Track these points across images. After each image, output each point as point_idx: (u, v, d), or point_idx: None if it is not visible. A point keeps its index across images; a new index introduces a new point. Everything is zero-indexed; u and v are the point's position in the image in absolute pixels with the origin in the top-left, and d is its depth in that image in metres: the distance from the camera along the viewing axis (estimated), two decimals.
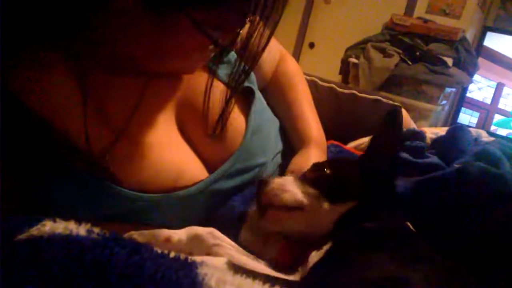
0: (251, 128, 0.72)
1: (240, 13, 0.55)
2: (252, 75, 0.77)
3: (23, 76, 0.54)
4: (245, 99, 0.74)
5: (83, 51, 0.56)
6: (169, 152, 0.64)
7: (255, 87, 0.77)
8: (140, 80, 0.63)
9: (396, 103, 1.08)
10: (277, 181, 0.60)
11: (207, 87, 0.69)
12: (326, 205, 0.56)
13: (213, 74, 0.70)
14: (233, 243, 0.57)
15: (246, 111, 0.73)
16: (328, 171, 0.60)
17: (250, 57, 0.64)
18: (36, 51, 0.55)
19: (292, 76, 0.90)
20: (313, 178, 0.60)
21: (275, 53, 0.90)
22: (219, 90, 0.69)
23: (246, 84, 0.74)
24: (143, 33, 0.53)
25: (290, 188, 0.58)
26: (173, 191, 0.62)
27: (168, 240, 0.55)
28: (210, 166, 0.69)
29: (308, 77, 1.06)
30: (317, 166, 0.63)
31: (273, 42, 0.85)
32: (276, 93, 0.87)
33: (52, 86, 0.55)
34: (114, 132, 0.59)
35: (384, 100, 1.10)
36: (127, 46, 0.56)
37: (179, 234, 0.56)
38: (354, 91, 1.10)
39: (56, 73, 0.56)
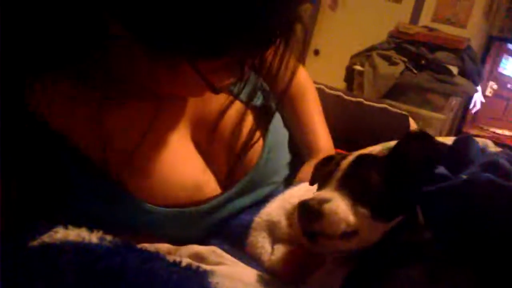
0: (268, 146, 0.71)
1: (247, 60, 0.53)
2: (269, 93, 0.77)
3: (42, 95, 0.53)
4: (262, 116, 0.74)
5: (92, 78, 0.56)
6: (184, 168, 0.64)
7: (272, 105, 0.76)
8: (155, 99, 0.63)
9: (403, 112, 1.08)
10: (329, 208, 0.52)
11: (224, 106, 0.68)
12: (380, 225, 0.53)
13: (229, 91, 0.69)
14: (235, 260, 0.57)
15: (263, 128, 0.72)
16: (374, 180, 0.55)
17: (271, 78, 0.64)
18: (54, 76, 0.54)
19: (303, 86, 0.90)
20: (360, 190, 0.54)
21: (292, 66, 0.89)
22: (235, 107, 0.69)
23: (264, 102, 0.73)
24: (145, 69, 0.53)
25: (344, 216, 0.52)
26: (186, 207, 0.62)
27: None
28: (225, 183, 0.68)
29: (316, 85, 1.06)
30: (360, 172, 0.56)
31: None
32: (286, 103, 0.87)
33: (71, 105, 0.55)
34: (130, 149, 0.59)
35: (391, 108, 1.09)
36: (131, 76, 0.56)
37: (180, 252, 0.56)
38: (361, 99, 1.10)
39: (76, 95, 0.56)
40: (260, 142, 0.71)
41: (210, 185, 0.66)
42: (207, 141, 0.68)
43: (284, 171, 0.77)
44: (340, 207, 0.52)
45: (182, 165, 0.63)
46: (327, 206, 0.51)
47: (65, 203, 0.56)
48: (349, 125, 1.06)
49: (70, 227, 0.40)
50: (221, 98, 0.67)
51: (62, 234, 0.39)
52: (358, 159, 0.59)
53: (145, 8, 0.41)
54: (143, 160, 0.60)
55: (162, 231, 0.61)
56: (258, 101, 0.72)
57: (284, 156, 0.77)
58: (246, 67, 0.54)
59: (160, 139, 0.62)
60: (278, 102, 0.66)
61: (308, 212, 0.52)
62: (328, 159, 0.64)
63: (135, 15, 0.42)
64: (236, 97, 0.69)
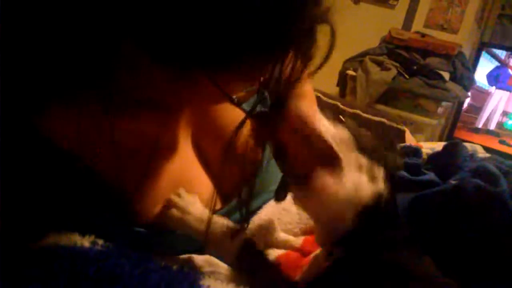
0: (267, 155, 0.71)
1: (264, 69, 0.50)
2: (269, 100, 0.76)
3: (55, 114, 0.51)
4: (259, 123, 0.72)
5: (105, 95, 0.52)
6: (192, 184, 0.62)
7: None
8: (161, 113, 0.60)
9: (399, 126, 1.07)
10: None
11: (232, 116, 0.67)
12: None
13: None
14: (229, 268, 0.57)
15: (262, 136, 0.71)
16: None
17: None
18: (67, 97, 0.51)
19: (304, 94, 0.90)
20: None
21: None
22: (237, 115, 0.68)
23: (263, 108, 0.72)
24: (158, 85, 0.49)
25: None
26: None
27: None
28: (225, 195, 0.67)
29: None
30: None
31: None
32: None
33: (85, 126, 0.52)
34: (141, 167, 0.57)
35: (388, 122, 1.08)
36: (147, 95, 0.52)
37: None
38: (358, 111, 1.08)
39: (88, 113, 0.52)
40: (259, 151, 0.69)
41: (210, 199, 0.64)
42: (208, 146, 0.66)
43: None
44: None
45: (189, 183, 0.62)
46: None
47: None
48: None
49: (62, 231, 0.40)
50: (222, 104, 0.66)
51: (54, 238, 0.39)
52: None
53: (162, 27, 0.39)
54: (153, 179, 0.58)
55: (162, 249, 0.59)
56: (258, 109, 0.72)
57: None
58: (261, 77, 0.53)
59: (168, 152, 0.60)
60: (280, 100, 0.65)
61: None
62: None
63: (152, 36, 0.40)
64: (239, 105, 0.67)
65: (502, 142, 3.07)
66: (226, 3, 0.37)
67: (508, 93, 3.21)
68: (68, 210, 0.50)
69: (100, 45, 0.40)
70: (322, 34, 0.55)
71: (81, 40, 0.40)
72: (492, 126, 3.09)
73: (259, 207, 0.70)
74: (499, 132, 3.09)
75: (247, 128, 0.66)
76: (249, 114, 0.63)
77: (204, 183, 0.65)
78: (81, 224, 0.50)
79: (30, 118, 0.49)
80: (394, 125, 1.08)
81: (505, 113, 3.05)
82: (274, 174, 0.73)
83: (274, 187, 0.73)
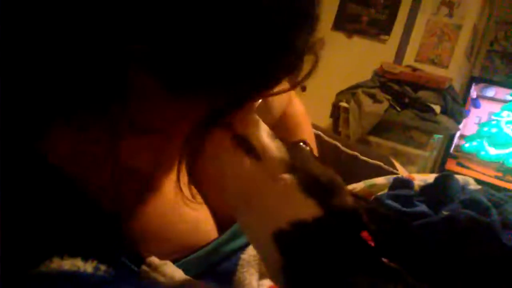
0: None
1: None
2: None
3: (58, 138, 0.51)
4: None
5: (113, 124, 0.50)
6: (186, 209, 0.62)
7: None
8: (158, 137, 0.60)
9: (395, 171, 1.08)
10: None
11: None
12: None
13: None
14: None
15: None
16: None
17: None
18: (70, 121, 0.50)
19: (299, 121, 0.91)
20: None
21: (285, 95, 0.87)
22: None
23: None
24: (161, 110, 0.48)
25: None
26: (186, 255, 0.61)
27: None
28: (220, 222, 0.67)
29: (314, 130, 1.06)
30: None
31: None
32: (282, 136, 0.87)
33: (85, 147, 0.52)
34: (138, 190, 0.57)
35: (385, 167, 1.08)
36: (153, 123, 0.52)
37: None
38: (357, 153, 1.09)
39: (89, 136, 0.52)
40: None
41: (209, 228, 0.66)
42: (203, 173, 0.66)
43: None
44: None
45: (185, 207, 0.62)
46: None
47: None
48: (342, 177, 1.06)
49: (65, 256, 0.41)
50: None
51: (57, 263, 0.39)
52: None
53: (174, 56, 0.39)
54: (147, 206, 0.58)
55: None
56: None
57: None
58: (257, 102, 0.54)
59: (163, 179, 0.61)
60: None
61: None
62: None
63: (163, 63, 0.40)
64: None
65: (459, 164, 3.15)
66: (229, 37, 0.39)
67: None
68: (62, 232, 0.49)
69: (108, 71, 0.40)
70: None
71: (88, 66, 0.40)
72: (451, 149, 3.17)
73: None
74: (457, 154, 3.15)
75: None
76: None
77: (200, 211, 0.66)
78: (75, 247, 0.51)
79: (31, 140, 0.49)
80: (390, 169, 1.08)
81: (462, 136, 3.13)
82: None
83: None
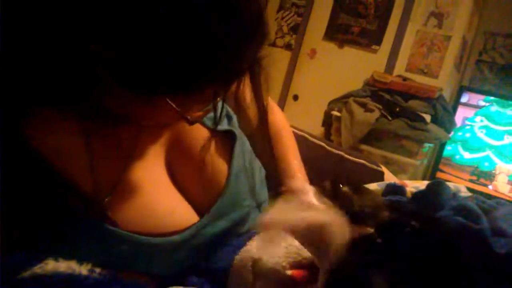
0: (235, 171, 0.74)
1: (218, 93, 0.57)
2: (234, 120, 0.81)
3: (37, 123, 0.55)
4: (228, 142, 0.77)
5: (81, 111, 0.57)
6: (161, 196, 0.66)
7: (237, 131, 0.79)
8: (134, 127, 0.65)
9: (378, 168, 1.12)
10: None
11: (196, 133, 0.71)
12: None
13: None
14: None
15: (229, 154, 0.76)
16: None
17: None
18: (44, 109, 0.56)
19: (279, 129, 0.94)
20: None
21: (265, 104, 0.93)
22: (201, 132, 0.72)
23: (228, 127, 0.77)
24: (125, 103, 0.54)
25: None
26: (165, 236, 0.63)
27: None
28: (199, 209, 0.70)
29: (298, 132, 1.10)
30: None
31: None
32: (258, 141, 0.90)
33: (62, 136, 0.57)
34: (114, 177, 0.61)
35: (369, 164, 1.13)
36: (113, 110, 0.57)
37: None
38: (342, 153, 1.13)
39: (65, 125, 0.58)
40: (226, 167, 0.74)
41: (186, 212, 0.68)
42: (179, 166, 0.70)
43: (256, 195, 0.79)
44: None
45: (160, 193, 0.65)
46: None
47: (49, 233, 0.56)
48: (327, 176, 1.09)
49: (60, 259, 0.41)
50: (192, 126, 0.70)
51: (53, 266, 0.40)
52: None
53: (131, 59, 0.45)
54: (125, 189, 0.61)
55: (145, 264, 0.62)
56: (222, 126, 0.76)
57: (253, 180, 0.80)
58: (217, 99, 0.59)
59: (140, 166, 0.64)
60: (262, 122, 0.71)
61: None
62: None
63: (122, 68, 0.46)
64: (192, 124, 0.71)
65: None
66: (183, 44, 0.44)
67: None
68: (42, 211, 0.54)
69: (75, 68, 0.46)
70: None
71: (59, 64, 0.47)
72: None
73: (237, 222, 0.72)
74: None
75: (213, 144, 0.70)
76: (202, 123, 0.72)
77: (176, 197, 0.69)
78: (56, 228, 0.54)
79: (13, 125, 0.53)
80: (374, 167, 1.13)
81: None
82: (244, 189, 0.75)
83: (247, 202, 0.75)
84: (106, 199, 0.58)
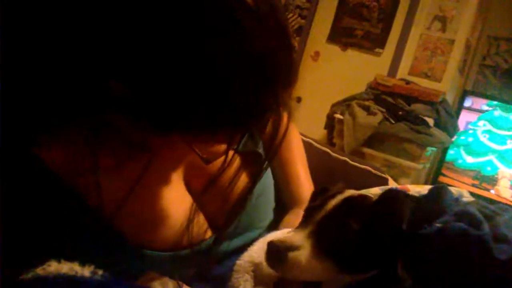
0: (257, 191, 0.73)
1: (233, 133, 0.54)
2: (258, 140, 0.79)
3: (50, 142, 0.54)
4: (252, 162, 0.76)
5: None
6: (176, 210, 0.65)
7: (262, 152, 0.78)
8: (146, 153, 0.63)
9: (383, 175, 1.12)
10: (293, 258, 0.52)
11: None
12: (346, 278, 0.54)
13: None
14: None
15: (251, 174, 0.74)
16: (351, 232, 0.54)
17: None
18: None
19: (288, 136, 0.93)
20: (333, 241, 0.54)
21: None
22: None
23: (253, 148, 0.76)
24: (138, 132, 0.53)
25: (305, 268, 0.52)
26: (177, 249, 0.63)
27: None
28: (214, 225, 0.70)
29: (304, 138, 1.10)
30: (340, 219, 0.55)
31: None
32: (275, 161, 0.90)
33: (70, 148, 0.56)
34: (125, 189, 0.59)
35: (373, 171, 1.13)
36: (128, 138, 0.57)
37: None
38: (347, 159, 1.14)
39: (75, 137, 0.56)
40: (248, 186, 0.72)
41: (200, 227, 0.68)
42: (198, 182, 0.69)
43: (270, 216, 0.78)
44: (305, 258, 0.52)
45: (175, 208, 0.64)
46: (291, 255, 0.52)
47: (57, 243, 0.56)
48: (332, 182, 1.09)
49: (62, 261, 0.41)
50: None
51: (55, 267, 0.40)
52: (345, 202, 0.60)
53: (142, 91, 0.43)
54: (136, 204, 0.60)
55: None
56: (246, 147, 0.75)
57: (270, 202, 0.79)
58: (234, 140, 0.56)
59: (154, 181, 0.63)
60: (270, 156, 0.69)
61: (273, 254, 0.53)
62: (322, 191, 0.65)
63: (134, 100, 0.44)
64: (208, 163, 0.67)
65: None
66: (200, 88, 0.43)
67: None
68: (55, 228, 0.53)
69: (89, 90, 0.44)
70: None
71: (73, 87, 0.45)
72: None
73: (249, 243, 0.71)
74: None
75: (235, 166, 0.70)
76: (235, 152, 0.68)
77: (191, 211, 0.67)
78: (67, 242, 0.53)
79: (26, 146, 0.52)
80: (378, 173, 1.13)
81: None
82: (263, 210, 0.75)
83: (263, 223, 0.75)
84: (114, 213, 0.57)
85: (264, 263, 0.66)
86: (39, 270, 0.39)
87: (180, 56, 0.41)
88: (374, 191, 0.89)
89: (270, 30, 0.45)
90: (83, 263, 0.42)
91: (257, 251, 0.67)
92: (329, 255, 0.53)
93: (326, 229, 0.56)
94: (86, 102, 0.45)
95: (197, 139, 0.51)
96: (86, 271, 0.41)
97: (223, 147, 0.57)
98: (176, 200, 0.66)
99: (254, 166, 0.75)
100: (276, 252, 0.53)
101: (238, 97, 0.45)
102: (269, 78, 0.46)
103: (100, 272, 0.41)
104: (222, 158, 0.69)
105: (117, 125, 0.50)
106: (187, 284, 0.63)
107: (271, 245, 0.54)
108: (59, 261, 0.41)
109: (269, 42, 0.44)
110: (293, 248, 0.53)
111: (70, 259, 0.43)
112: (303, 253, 0.53)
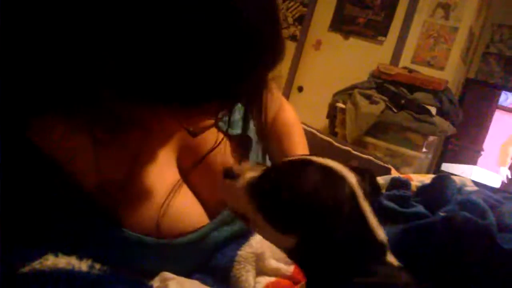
0: None
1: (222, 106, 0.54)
2: (251, 124, 0.79)
3: (42, 124, 0.55)
4: (243, 147, 0.75)
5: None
6: (174, 197, 0.64)
7: (253, 136, 0.78)
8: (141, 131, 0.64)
9: (386, 165, 1.12)
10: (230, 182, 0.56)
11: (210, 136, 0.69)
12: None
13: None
14: None
15: (243, 159, 0.74)
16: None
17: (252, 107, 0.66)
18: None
19: (290, 126, 0.93)
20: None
21: (275, 101, 0.92)
22: (215, 135, 0.71)
23: (244, 132, 0.75)
24: (128, 113, 0.52)
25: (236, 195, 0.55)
26: (174, 237, 0.62)
27: None
28: (210, 212, 0.69)
29: (307, 128, 1.10)
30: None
31: (275, 90, 0.88)
32: (273, 142, 0.90)
33: (68, 135, 0.56)
34: (121, 176, 0.59)
35: (375, 160, 1.14)
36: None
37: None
38: (349, 148, 1.14)
39: (71, 124, 0.56)
40: None
41: (196, 214, 0.67)
42: (189, 162, 0.69)
43: None
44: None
45: (174, 196, 0.64)
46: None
47: (51, 229, 0.56)
48: None
49: (60, 254, 0.41)
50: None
51: (53, 261, 0.39)
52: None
53: (135, 75, 0.43)
54: (133, 190, 0.60)
55: (151, 263, 0.61)
56: (237, 130, 0.74)
57: None
58: (220, 112, 0.56)
59: (149, 168, 0.63)
60: (261, 136, 0.69)
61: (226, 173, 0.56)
62: None
63: (117, 72, 0.44)
64: (195, 136, 0.66)
65: None
66: (183, 58, 0.42)
67: None
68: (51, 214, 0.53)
69: (83, 78, 0.45)
70: None
71: (67, 70, 0.45)
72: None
73: (246, 228, 0.71)
74: None
75: (227, 148, 0.69)
76: (216, 126, 0.69)
77: (188, 199, 0.68)
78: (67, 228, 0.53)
79: (22, 130, 0.53)
80: (381, 163, 1.14)
81: None
82: None
83: None
84: (111, 200, 0.57)
85: (266, 254, 0.66)
86: (36, 264, 0.39)
87: (163, 26, 0.40)
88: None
89: (256, 1, 0.45)
90: (80, 257, 0.41)
91: (259, 241, 0.66)
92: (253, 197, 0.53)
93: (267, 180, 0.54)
94: (78, 77, 0.45)
95: (182, 112, 0.50)
96: (83, 265, 0.40)
97: (210, 121, 0.57)
98: (167, 178, 0.65)
99: (246, 151, 0.75)
100: (229, 171, 0.56)
101: (221, 68, 0.44)
102: (254, 50, 0.46)
103: (98, 266, 0.41)
104: (213, 139, 0.69)
105: (105, 98, 0.49)
106: (188, 276, 0.62)
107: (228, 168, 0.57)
108: (56, 255, 0.41)
109: (255, 14, 0.44)
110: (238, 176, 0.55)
111: (67, 252, 0.42)
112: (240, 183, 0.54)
